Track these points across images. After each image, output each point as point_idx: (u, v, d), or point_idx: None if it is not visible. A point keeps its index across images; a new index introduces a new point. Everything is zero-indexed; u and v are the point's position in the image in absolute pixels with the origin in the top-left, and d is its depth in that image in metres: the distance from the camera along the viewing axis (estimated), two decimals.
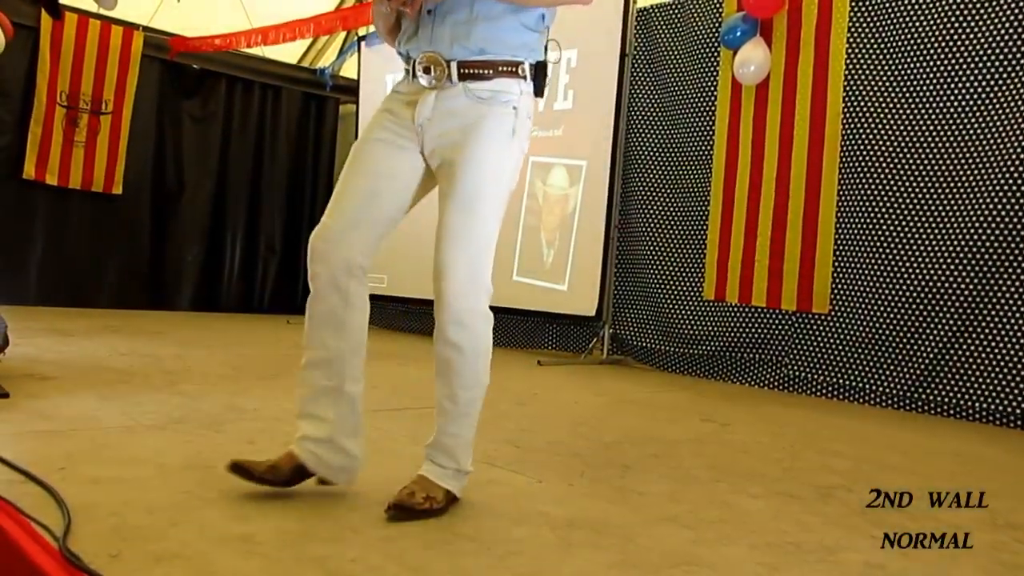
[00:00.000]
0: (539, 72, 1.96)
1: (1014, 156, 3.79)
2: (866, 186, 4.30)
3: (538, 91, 1.97)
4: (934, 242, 4.05)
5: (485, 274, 1.87)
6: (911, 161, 4.15)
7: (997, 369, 3.80)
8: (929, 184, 4.09)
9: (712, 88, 4.98)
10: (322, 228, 1.91)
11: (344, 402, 1.93)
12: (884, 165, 4.24)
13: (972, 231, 3.91)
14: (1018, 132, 3.79)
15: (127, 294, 7.26)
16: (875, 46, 4.30)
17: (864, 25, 4.34)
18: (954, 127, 4.02)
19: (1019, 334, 3.75)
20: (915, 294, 4.09)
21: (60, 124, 6.72)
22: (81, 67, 6.78)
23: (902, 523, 2.05)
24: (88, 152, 6.88)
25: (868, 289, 4.27)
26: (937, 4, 4.10)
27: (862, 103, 4.33)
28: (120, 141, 7.03)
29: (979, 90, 3.94)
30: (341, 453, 1.93)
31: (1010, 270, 3.80)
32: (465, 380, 1.91)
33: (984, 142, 3.91)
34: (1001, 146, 3.85)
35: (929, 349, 4.03)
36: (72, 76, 6.75)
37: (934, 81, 4.09)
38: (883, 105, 4.26)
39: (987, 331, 3.85)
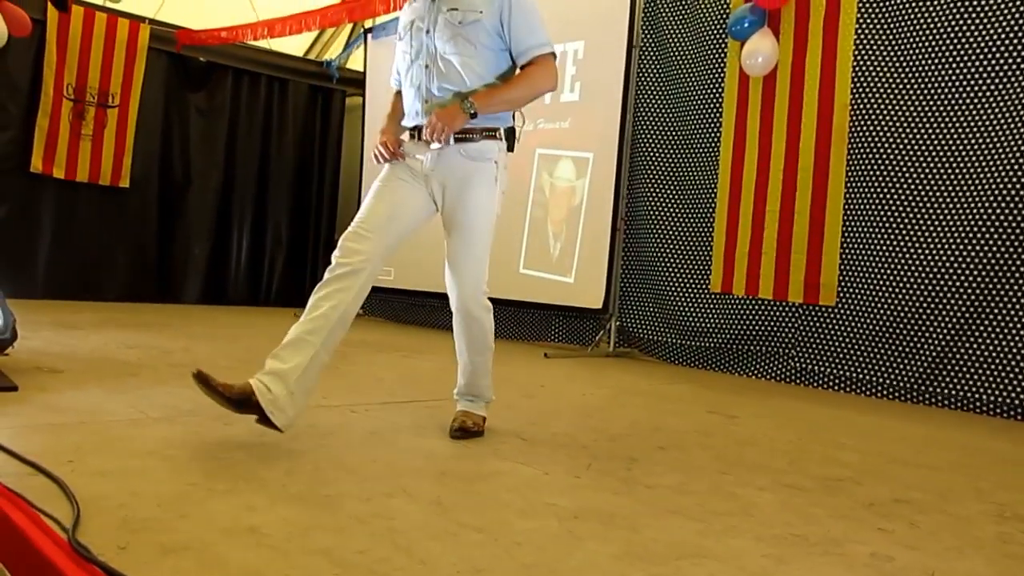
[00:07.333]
0: (509, 135, 2.62)
1: (1023, 147, 3.77)
2: (874, 178, 4.28)
3: (510, 148, 2.63)
4: (941, 234, 4.03)
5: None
6: (919, 153, 4.13)
7: (1004, 361, 3.79)
8: (937, 177, 4.07)
9: (720, 80, 4.97)
10: (355, 229, 2.48)
11: (312, 358, 2.32)
12: (892, 157, 4.22)
13: (979, 223, 3.89)
14: None
15: (135, 287, 7.28)
16: (883, 36, 4.28)
17: (872, 15, 4.32)
18: (962, 118, 3.99)
19: None
20: (922, 287, 4.08)
21: (67, 117, 6.74)
22: (88, 60, 6.80)
23: (910, 515, 2.05)
24: (95, 145, 6.90)
25: (875, 281, 4.26)
26: None
27: (870, 94, 4.31)
28: (127, 134, 7.05)
29: (987, 80, 3.92)
30: (288, 395, 2.27)
31: (1017, 262, 3.78)
32: (480, 347, 2.68)
33: (992, 133, 3.89)
34: (1009, 137, 3.82)
35: (936, 342, 4.01)
36: (79, 69, 6.77)
37: (942, 72, 4.07)
38: (891, 96, 4.24)
39: (994, 324, 3.84)
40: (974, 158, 3.95)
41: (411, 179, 2.58)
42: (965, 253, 3.94)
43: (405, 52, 2.62)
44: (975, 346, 3.89)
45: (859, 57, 4.33)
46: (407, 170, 2.58)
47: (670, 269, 5.27)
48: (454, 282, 2.60)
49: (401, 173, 2.59)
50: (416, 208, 2.59)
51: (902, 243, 4.17)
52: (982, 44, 3.94)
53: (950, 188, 4.02)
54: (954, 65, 4.03)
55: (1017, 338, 3.76)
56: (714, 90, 5.03)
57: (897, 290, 4.17)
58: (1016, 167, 3.78)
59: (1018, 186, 3.78)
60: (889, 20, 4.27)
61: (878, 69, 4.29)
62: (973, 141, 3.96)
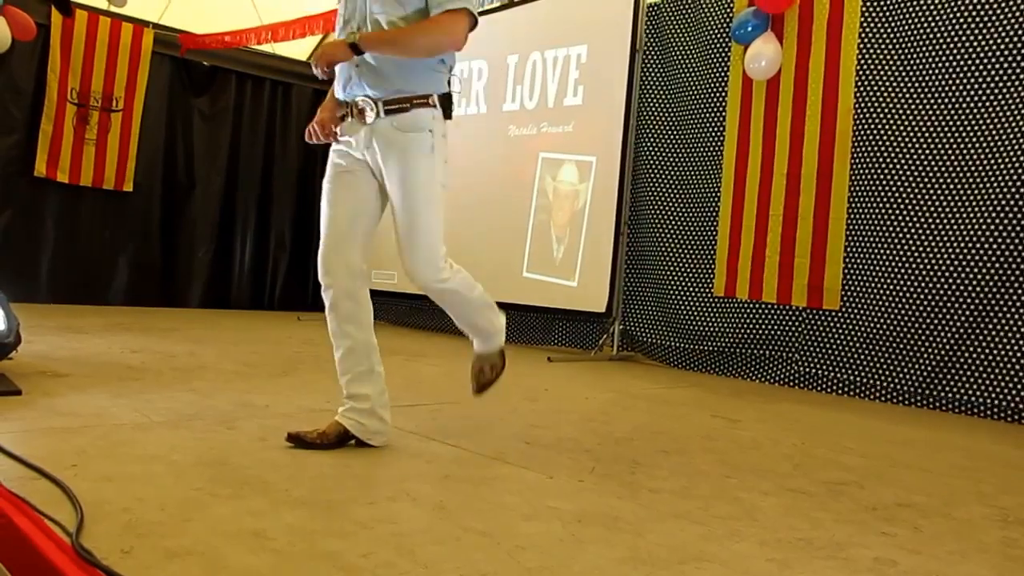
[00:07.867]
0: (444, 101, 2.46)
1: None
2: (877, 182, 4.28)
3: (447, 115, 2.47)
4: (945, 238, 4.03)
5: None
6: (922, 157, 4.13)
7: (1008, 366, 3.78)
8: (940, 181, 4.07)
9: (723, 83, 4.97)
10: (325, 247, 2.46)
11: (376, 380, 2.49)
12: (895, 161, 4.22)
13: (983, 227, 3.89)
14: None
15: (138, 291, 7.29)
16: (886, 41, 4.28)
17: (875, 19, 4.32)
18: (966, 122, 4.00)
19: None
20: (926, 290, 4.08)
21: (71, 121, 6.75)
22: (92, 64, 6.81)
23: (913, 519, 2.05)
24: (99, 149, 6.91)
25: (879, 285, 4.25)
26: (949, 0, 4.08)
27: (873, 98, 4.31)
28: (131, 138, 7.06)
29: (991, 84, 3.92)
30: (379, 420, 2.47)
31: (1023, 266, 3.77)
32: (461, 300, 2.56)
33: (997, 137, 3.89)
34: (1014, 141, 3.82)
35: (940, 346, 4.01)
36: (83, 73, 6.78)
37: (946, 76, 4.07)
38: (894, 100, 4.24)
39: (998, 328, 3.83)
40: (978, 162, 3.95)
41: (356, 167, 2.47)
42: (969, 257, 3.93)
43: (340, 15, 2.48)
44: (979, 350, 3.88)
45: (862, 61, 4.33)
46: (347, 159, 2.48)
47: (673, 273, 5.27)
48: (404, 263, 2.47)
49: (343, 166, 2.49)
50: (373, 195, 2.49)
51: (906, 247, 4.17)
52: (986, 48, 3.94)
53: (954, 192, 4.02)
54: (958, 68, 4.03)
55: (1022, 342, 3.75)
56: (717, 94, 5.04)
57: (901, 294, 4.17)
58: (1021, 171, 3.78)
59: (1023, 190, 3.77)
60: (892, 23, 4.27)
61: (881, 72, 4.29)
62: (977, 145, 3.95)
